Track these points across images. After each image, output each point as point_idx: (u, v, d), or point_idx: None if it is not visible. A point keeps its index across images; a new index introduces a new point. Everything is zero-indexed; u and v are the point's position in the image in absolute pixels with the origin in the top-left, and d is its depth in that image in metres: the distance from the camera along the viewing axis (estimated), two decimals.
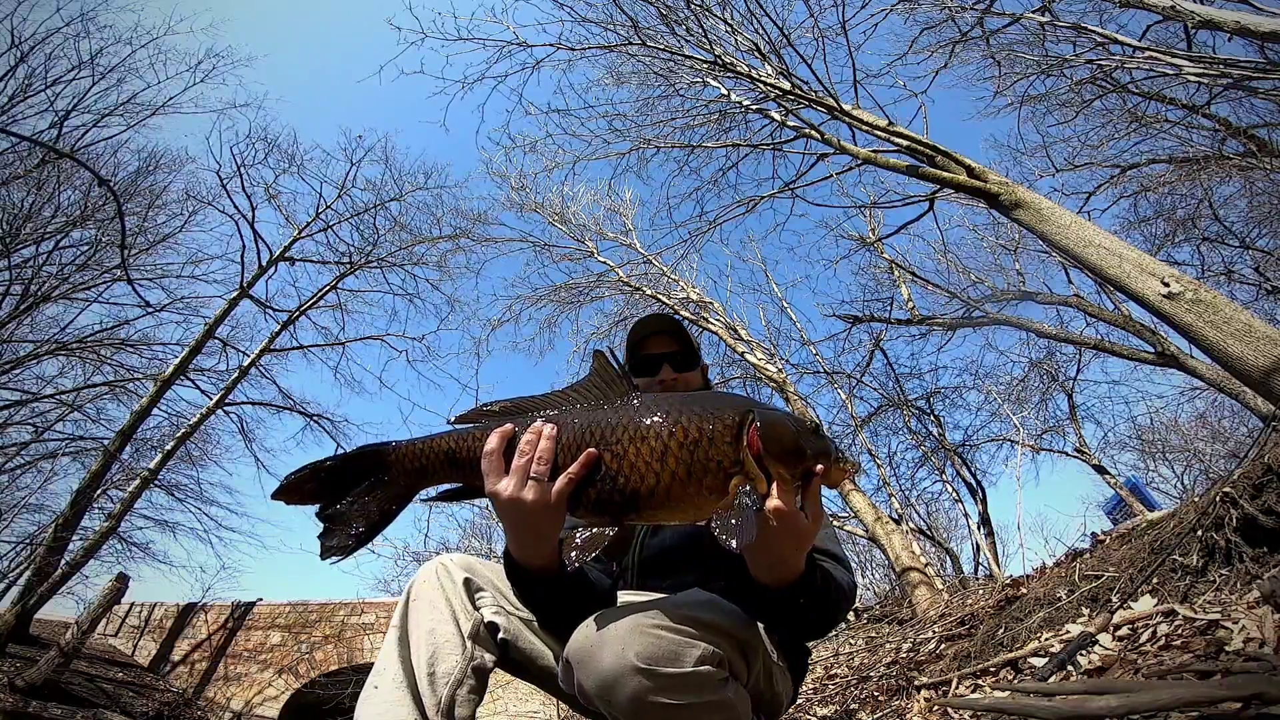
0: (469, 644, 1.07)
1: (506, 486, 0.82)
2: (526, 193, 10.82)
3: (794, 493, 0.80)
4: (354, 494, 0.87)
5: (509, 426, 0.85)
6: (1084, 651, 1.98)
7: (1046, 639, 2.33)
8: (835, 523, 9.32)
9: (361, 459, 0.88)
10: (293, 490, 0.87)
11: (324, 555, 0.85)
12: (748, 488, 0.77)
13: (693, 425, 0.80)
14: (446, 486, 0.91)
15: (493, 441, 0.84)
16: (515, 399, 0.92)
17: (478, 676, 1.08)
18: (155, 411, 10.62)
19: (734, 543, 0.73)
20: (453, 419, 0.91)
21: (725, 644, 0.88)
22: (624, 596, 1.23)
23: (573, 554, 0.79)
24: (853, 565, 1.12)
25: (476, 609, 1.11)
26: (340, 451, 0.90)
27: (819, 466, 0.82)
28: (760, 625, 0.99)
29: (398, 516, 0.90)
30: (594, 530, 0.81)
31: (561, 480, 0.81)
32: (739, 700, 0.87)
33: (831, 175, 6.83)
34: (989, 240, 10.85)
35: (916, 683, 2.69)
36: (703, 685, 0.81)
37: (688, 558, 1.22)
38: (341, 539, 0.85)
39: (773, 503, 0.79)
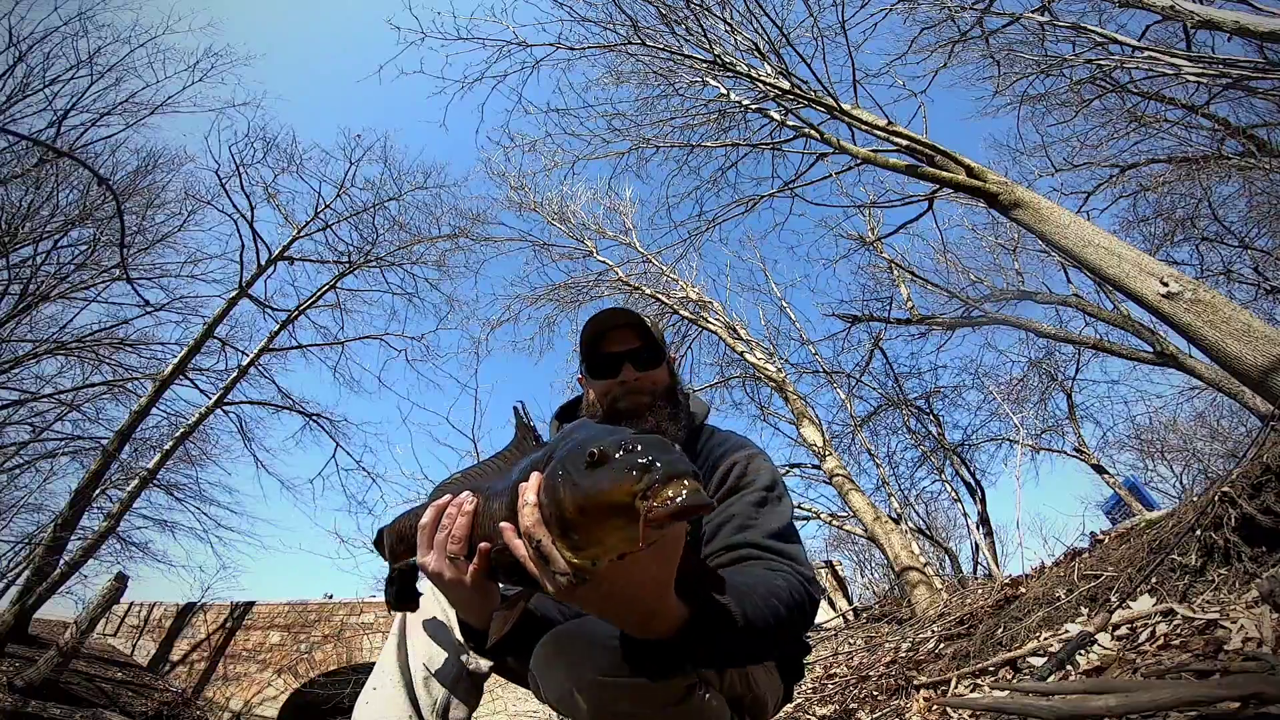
0: (465, 647, 1.08)
1: (430, 563, 0.83)
2: (526, 192, 10.79)
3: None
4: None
5: (445, 499, 0.84)
6: (1083, 651, 1.98)
7: (1045, 638, 2.33)
8: (835, 523, 9.34)
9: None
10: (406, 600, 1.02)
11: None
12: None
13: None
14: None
15: (427, 516, 0.84)
16: (469, 468, 0.96)
17: (473, 679, 1.08)
18: (154, 411, 10.60)
19: None
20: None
21: None
22: None
23: (491, 639, 0.80)
24: (806, 556, 1.07)
25: None
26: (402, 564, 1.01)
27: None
28: None
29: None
30: (511, 608, 0.80)
31: (471, 568, 0.78)
32: (709, 707, 0.85)
33: (831, 175, 6.81)
34: (988, 240, 10.84)
35: (915, 682, 2.69)
36: (666, 696, 0.79)
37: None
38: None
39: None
